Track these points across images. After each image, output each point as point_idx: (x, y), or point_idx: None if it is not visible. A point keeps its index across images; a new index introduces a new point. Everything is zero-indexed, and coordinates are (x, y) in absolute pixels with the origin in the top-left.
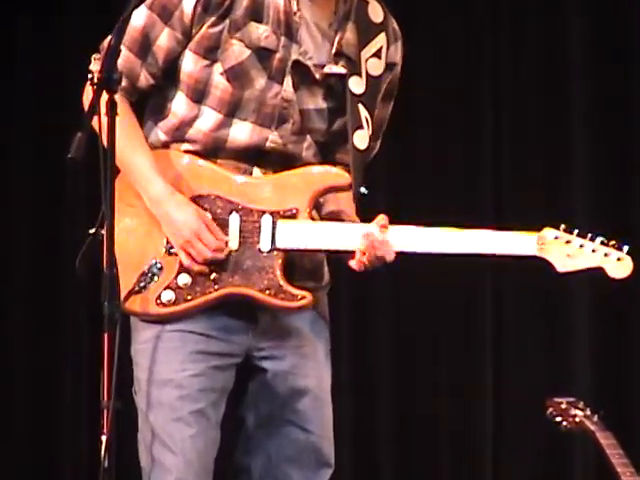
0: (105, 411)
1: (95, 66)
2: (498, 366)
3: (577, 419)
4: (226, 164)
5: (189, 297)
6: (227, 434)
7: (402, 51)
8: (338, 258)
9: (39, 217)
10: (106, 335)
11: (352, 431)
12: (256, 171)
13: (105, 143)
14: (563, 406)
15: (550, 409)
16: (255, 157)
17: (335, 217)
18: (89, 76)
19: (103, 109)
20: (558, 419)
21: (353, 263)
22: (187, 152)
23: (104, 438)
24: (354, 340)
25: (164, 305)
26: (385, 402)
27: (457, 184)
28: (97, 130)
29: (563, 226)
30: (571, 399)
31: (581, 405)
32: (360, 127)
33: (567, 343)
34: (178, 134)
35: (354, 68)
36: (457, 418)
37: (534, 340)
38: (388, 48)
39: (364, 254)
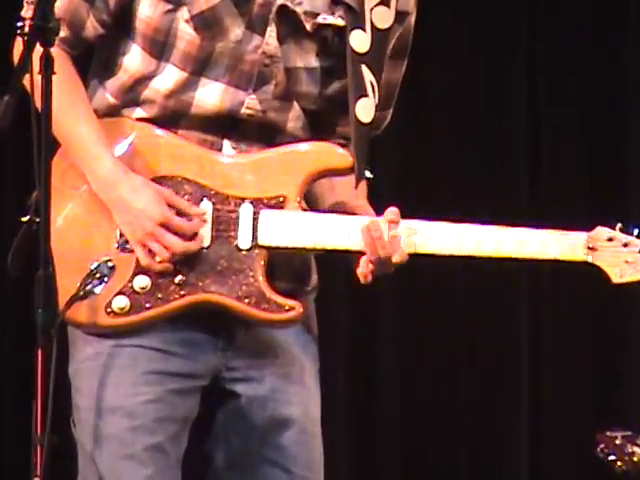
0: (38, 448)
1: (27, 12)
2: (535, 384)
3: (635, 458)
4: (188, 135)
5: (148, 305)
6: (190, 475)
7: None
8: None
9: None
10: (40, 351)
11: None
12: (226, 145)
13: (39, 109)
14: (617, 442)
15: (601, 445)
16: (226, 127)
17: (338, 210)
18: (19, 24)
19: (37, 66)
20: (612, 458)
21: (359, 271)
22: (140, 120)
23: None
24: (355, 358)
25: (116, 314)
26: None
27: (485, 171)
28: (29, 92)
29: (620, 225)
30: (627, 433)
31: None
32: (364, 95)
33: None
34: (130, 96)
35: (356, 19)
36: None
37: (579, 353)
38: None
39: (369, 261)
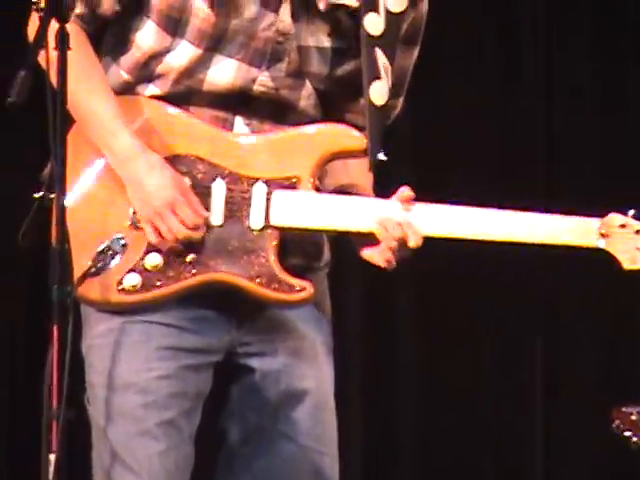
0: (54, 423)
1: None
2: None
3: None
4: (200, 112)
5: (159, 283)
6: (204, 451)
7: None
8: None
9: None
10: (55, 327)
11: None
12: (238, 122)
13: (55, 84)
14: (633, 417)
15: (617, 421)
16: (238, 104)
17: (344, 192)
18: (34, 0)
19: (52, 42)
20: (627, 433)
21: (370, 254)
22: (153, 97)
23: (52, 457)
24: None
25: (127, 292)
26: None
27: (500, 153)
28: (45, 68)
29: (632, 211)
30: None
31: None
32: (378, 77)
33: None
34: (143, 73)
35: (370, 2)
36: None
37: (593, 334)
38: None
39: (388, 247)
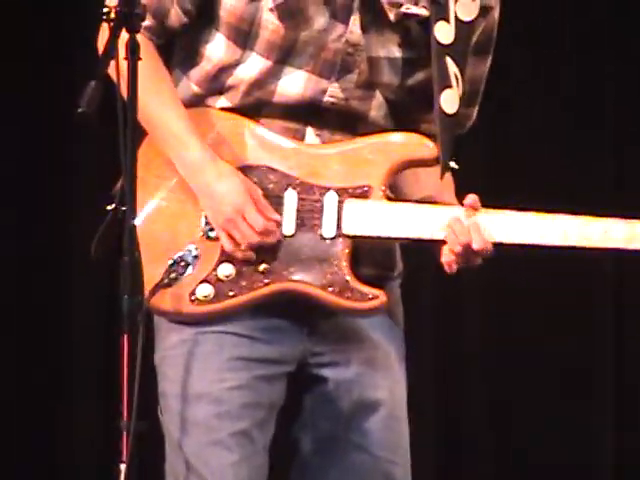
0: (125, 434)
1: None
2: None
3: None
4: (271, 124)
5: (232, 293)
6: (277, 461)
7: None
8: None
9: (33, 190)
10: (125, 337)
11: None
12: (309, 132)
13: (125, 95)
14: None
15: None
16: (309, 115)
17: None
18: (104, 11)
19: (122, 53)
20: None
21: (443, 260)
22: (224, 109)
23: (123, 467)
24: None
25: (200, 302)
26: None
27: (570, 160)
28: (115, 79)
29: None
30: None
31: None
32: (448, 86)
33: None
34: (214, 86)
35: (440, 11)
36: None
37: None
38: None
39: (451, 250)
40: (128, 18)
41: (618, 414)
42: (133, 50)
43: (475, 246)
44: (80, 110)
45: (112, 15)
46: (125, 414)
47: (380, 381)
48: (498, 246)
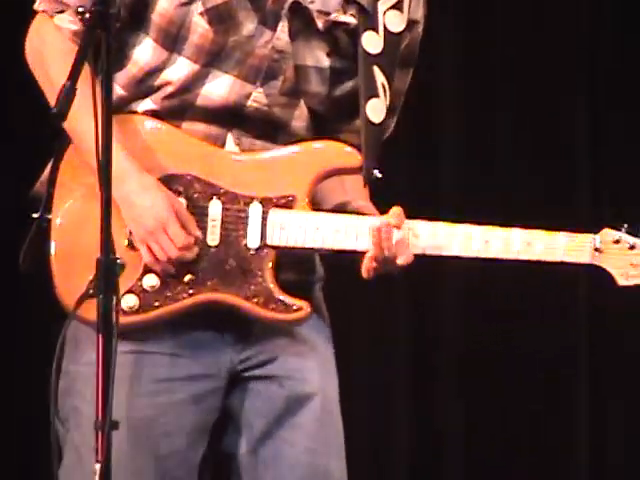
0: (99, 433)
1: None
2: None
3: None
4: (193, 128)
5: (157, 303)
6: (217, 469)
7: (424, 8)
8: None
9: None
10: (100, 337)
11: None
12: (229, 140)
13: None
14: None
15: None
16: (231, 120)
17: (341, 209)
18: (80, 11)
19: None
20: None
21: (363, 267)
22: (147, 113)
23: (97, 466)
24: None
25: (125, 313)
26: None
27: (500, 170)
28: (90, 79)
29: (626, 226)
30: None
31: None
32: (375, 95)
33: None
34: (139, 89)
35: (369, 21)
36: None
37: None
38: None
39: (372, 258)
40: (104, 18)
41: (593, 426)
42: (108, 50)
43: (399, 260)
44: (54, 111)
45: (87, 15)
46: (100, 414)
47: (311, 375)
48: (420, 257)
